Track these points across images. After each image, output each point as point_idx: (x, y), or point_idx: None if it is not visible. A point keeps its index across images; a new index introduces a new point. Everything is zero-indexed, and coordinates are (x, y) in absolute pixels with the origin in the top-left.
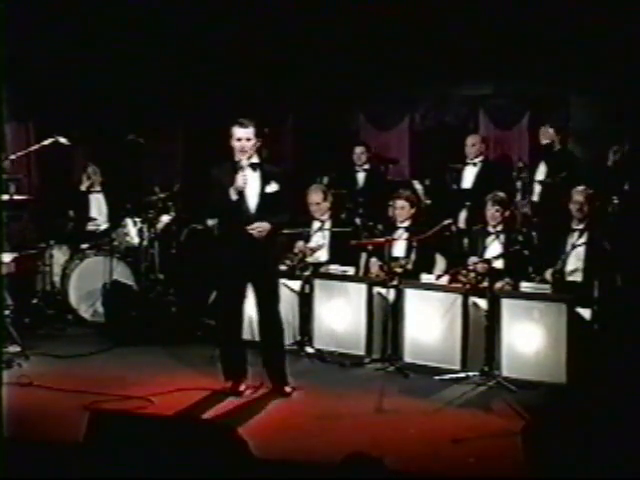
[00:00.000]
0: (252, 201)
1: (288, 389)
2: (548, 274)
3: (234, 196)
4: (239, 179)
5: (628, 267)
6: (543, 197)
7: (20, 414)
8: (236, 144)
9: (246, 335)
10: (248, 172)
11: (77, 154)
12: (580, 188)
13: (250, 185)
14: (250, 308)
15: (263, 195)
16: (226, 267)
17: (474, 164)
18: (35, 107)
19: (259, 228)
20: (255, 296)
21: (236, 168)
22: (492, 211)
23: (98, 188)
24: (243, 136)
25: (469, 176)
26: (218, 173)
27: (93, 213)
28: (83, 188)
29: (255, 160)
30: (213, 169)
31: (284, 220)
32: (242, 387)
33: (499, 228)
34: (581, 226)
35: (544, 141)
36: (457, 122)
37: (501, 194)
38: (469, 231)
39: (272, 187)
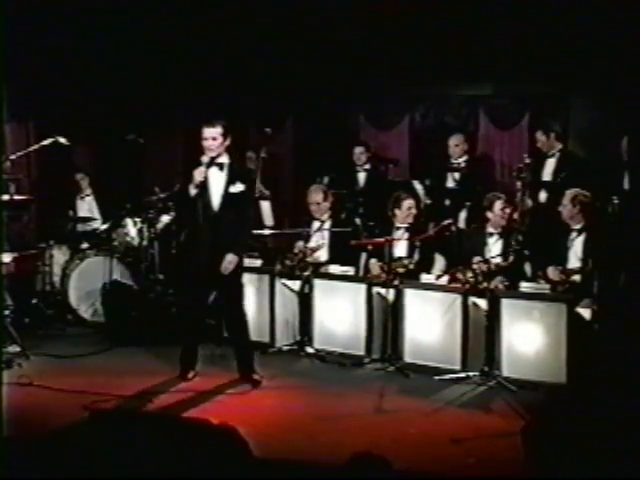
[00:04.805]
0: (216, 200)
1: (256, 377)
2: (550, 272)
3: (192, 191)
4: (196, 174)
5: (628, 267)
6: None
7: (20, 414)
8: (203, 143)
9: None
10: (214, 171)
11: (77, 154)
12: (569, 191)
13: (216, 184)
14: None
15: (227, 194)
16: (192, 267)
17: (458, 164)
18: (35, 107)
19: (227, 265)
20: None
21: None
22: (498, 213)
23: (88, 192)
24: (209, 135)
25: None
26: (187, 172)
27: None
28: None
29: (223, 160)
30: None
31: (246, 230)
32: (190, 375)
33: (500, 229)
34: (578, 226)
35: (542, 146)
36: (457, 122)
37: (502, 195)
38: (469, 231)
39: (237, 187)
